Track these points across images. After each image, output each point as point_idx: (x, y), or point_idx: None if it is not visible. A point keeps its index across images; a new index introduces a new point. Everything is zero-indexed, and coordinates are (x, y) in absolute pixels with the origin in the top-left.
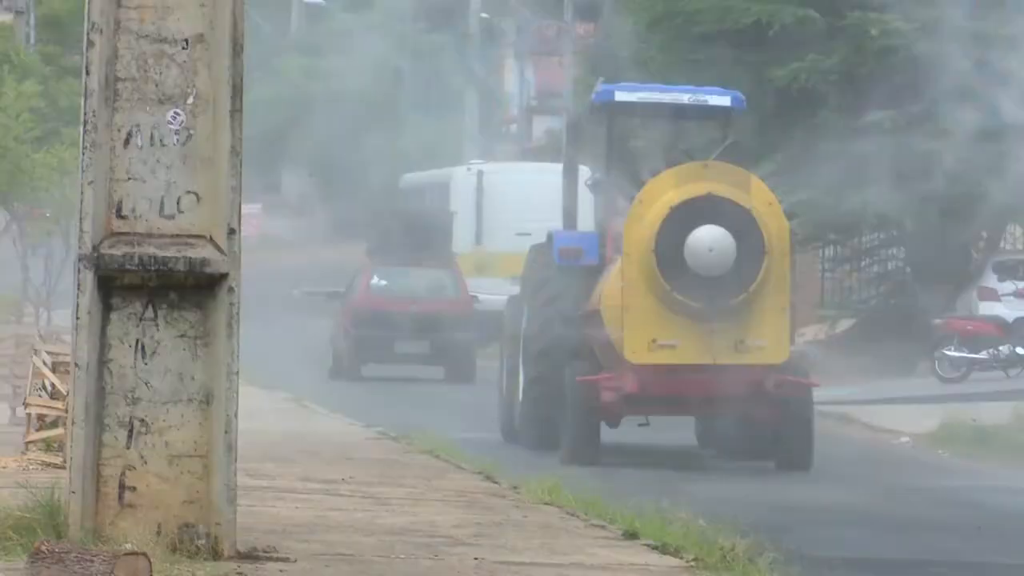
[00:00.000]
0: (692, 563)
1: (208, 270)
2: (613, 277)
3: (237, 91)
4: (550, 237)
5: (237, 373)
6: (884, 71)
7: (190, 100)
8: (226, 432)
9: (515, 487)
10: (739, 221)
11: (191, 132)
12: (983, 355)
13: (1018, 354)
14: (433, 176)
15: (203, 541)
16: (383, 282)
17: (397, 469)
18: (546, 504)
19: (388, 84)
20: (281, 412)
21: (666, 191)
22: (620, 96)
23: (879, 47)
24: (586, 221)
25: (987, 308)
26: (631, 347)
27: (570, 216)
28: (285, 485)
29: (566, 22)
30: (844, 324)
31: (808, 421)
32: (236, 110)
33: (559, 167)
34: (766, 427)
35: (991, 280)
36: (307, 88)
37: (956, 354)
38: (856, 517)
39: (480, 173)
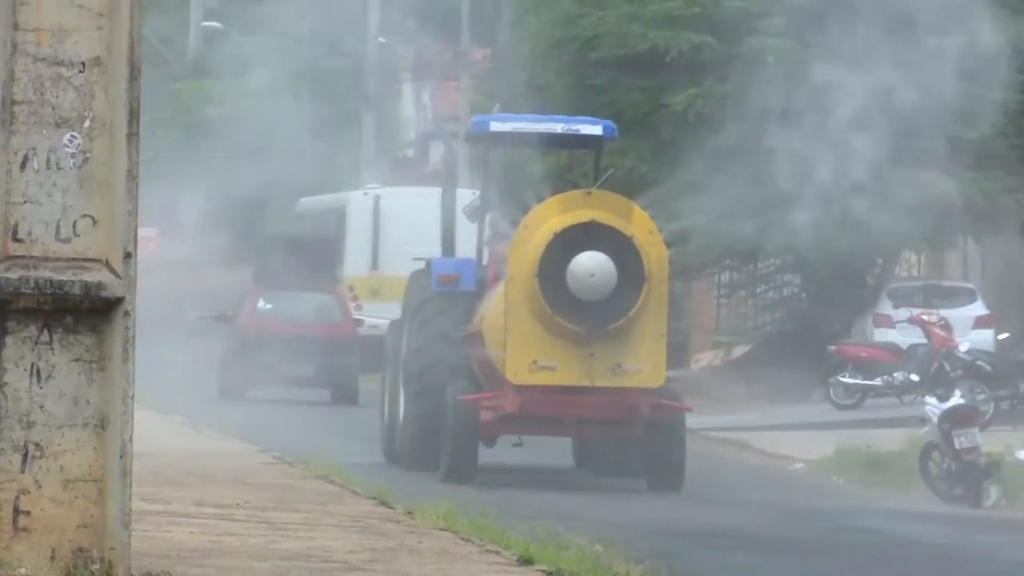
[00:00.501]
0: None
1: (104, 294)
2: (496, 299)
3: (134, 115)
4: (428, 264)
5: (132, 397)
6: (781, 97)
7: (87, 123)
8: (121, 456)
9: (410, 512)
10: (620, 248)
11: (88, 155)
12: (878, 382)
13: (912, 381)
14: (330, 200)
15: (97, 566)
16: (268, 306)
17: (292, 494)
18: (441, 529)
19: (285, 108)
20: (176, 436)
21: (550, 217)
22: (495, 126)
23: (776, 73)
24: (465, 246)
25: (882, 335)
26: (512, 368)
27: (448, 242)
28: (180, 510)
29: (463, 47)
30: (740, 350)
31: (681, 443)
32: (133, 133)
33: (456, 191)
34: (640, 448)
35: (886, 307)
36: (205, 112)
37: (851, 381)
38: (751, 542)
39: (377, 197)
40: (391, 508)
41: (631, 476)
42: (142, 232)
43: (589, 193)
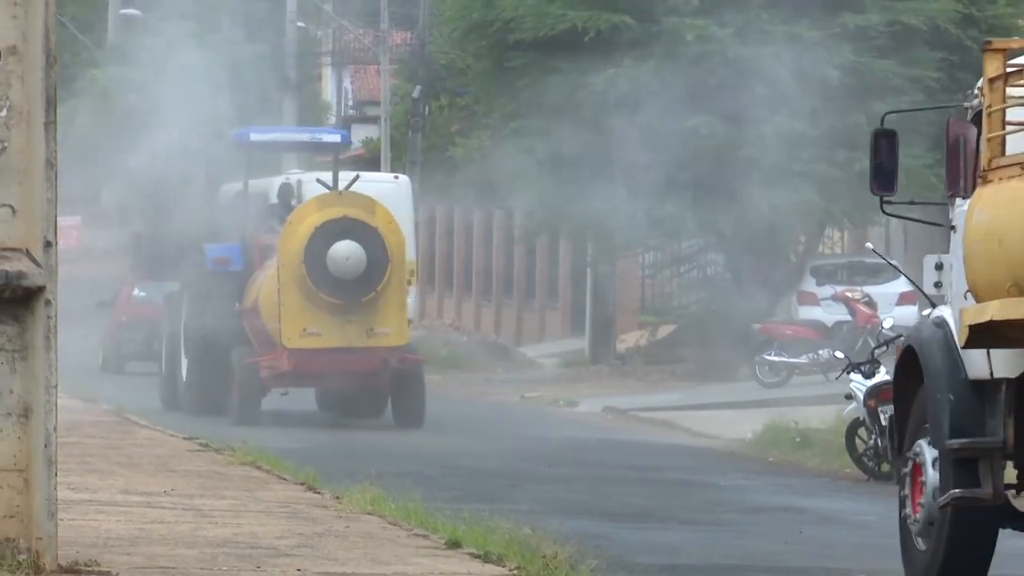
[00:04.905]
0: (515, 571)
1: (25, 283)
2: (269, 280)
3: (51, 103)
4: (202, 249)
5: (56, 386)
6: (700, 76)
7: (4, 112)
8: (46, 446)
9: (337, 497)
10: (368, 237)
11: (5, 145)
12: (803, 359)
13: (837, 358)
14: (252, 186)
15: (24, 556)
16: (142, 293)
17: (218, 480)
18: (368, 514)
19: (205, 94)
20: (101, 424)
21: (311, 214)
22: (255, 137)
23: (694, 52)
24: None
25: (806, 312)
26: (287, 335)
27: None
28: (106, 498)
29: (382, 31)
30: (665, 330)
31: (421, 389)
32: (51, 122)
33: (376, 175)
34: (387, 393)
35: (810, 284)
36: (124, 100)
37: (776, 359)
38: (678, 523)
39: (299, 183)
40: (318, 493)
41: (372, 417)
42: (63, 221)
43: (341, 194)
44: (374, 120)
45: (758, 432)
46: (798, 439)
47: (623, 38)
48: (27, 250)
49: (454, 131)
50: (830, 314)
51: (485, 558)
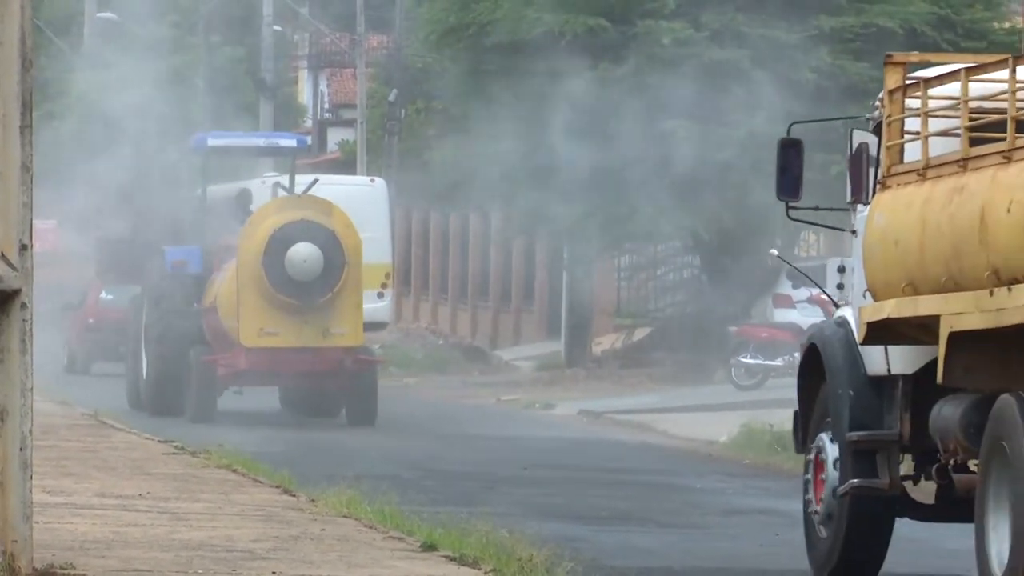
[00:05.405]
0: (490, 574)
1: (0, 287)
2: (228, 281)
3: (27, 107)
4: (162, 252)
5: (31, 389)
6: (676, 79)
7: None
8: (21, 449)
9: (313, 500)
10: (325, 239)
11: None
12: (779, 362)
13: None
14: (230, 189)
15: None
16: (109, 296)
17: (194, 483)
18: (344, 517)
19: (181, 98)
20: (76, 427)
21: (270, 216)
22: (212, 142)
23: (671, 55)
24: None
25: (782, 315)
26: (245, 334)
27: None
28: (82, 501)
29: (359, 34)
30: (641, 332)
31: (374, 388)
32: (26, 126)
33: (352, 179)
34: (341, 392)
35: (786, 287)
36: (100, 103)
37: (752, 361)
38: (655, 526)
39: (275, 186)
40: (294, 496)
41: (327, 415)
42: (40, 224)
43: (299, 197)
44: (350, 123)
45: (734, 435)
46: (777, 447)
47: (599, 41)
48: (2, 253)
49: (430, 135)
50: (806, 317)
51: (461, 561)
